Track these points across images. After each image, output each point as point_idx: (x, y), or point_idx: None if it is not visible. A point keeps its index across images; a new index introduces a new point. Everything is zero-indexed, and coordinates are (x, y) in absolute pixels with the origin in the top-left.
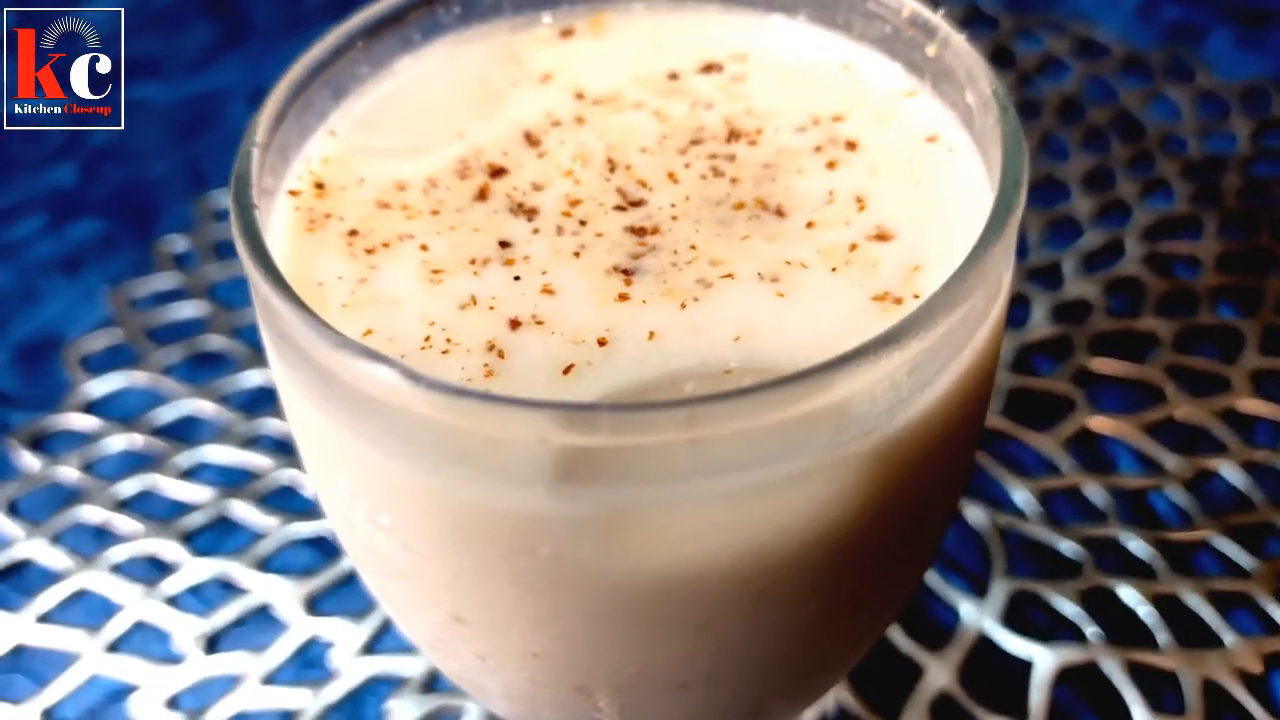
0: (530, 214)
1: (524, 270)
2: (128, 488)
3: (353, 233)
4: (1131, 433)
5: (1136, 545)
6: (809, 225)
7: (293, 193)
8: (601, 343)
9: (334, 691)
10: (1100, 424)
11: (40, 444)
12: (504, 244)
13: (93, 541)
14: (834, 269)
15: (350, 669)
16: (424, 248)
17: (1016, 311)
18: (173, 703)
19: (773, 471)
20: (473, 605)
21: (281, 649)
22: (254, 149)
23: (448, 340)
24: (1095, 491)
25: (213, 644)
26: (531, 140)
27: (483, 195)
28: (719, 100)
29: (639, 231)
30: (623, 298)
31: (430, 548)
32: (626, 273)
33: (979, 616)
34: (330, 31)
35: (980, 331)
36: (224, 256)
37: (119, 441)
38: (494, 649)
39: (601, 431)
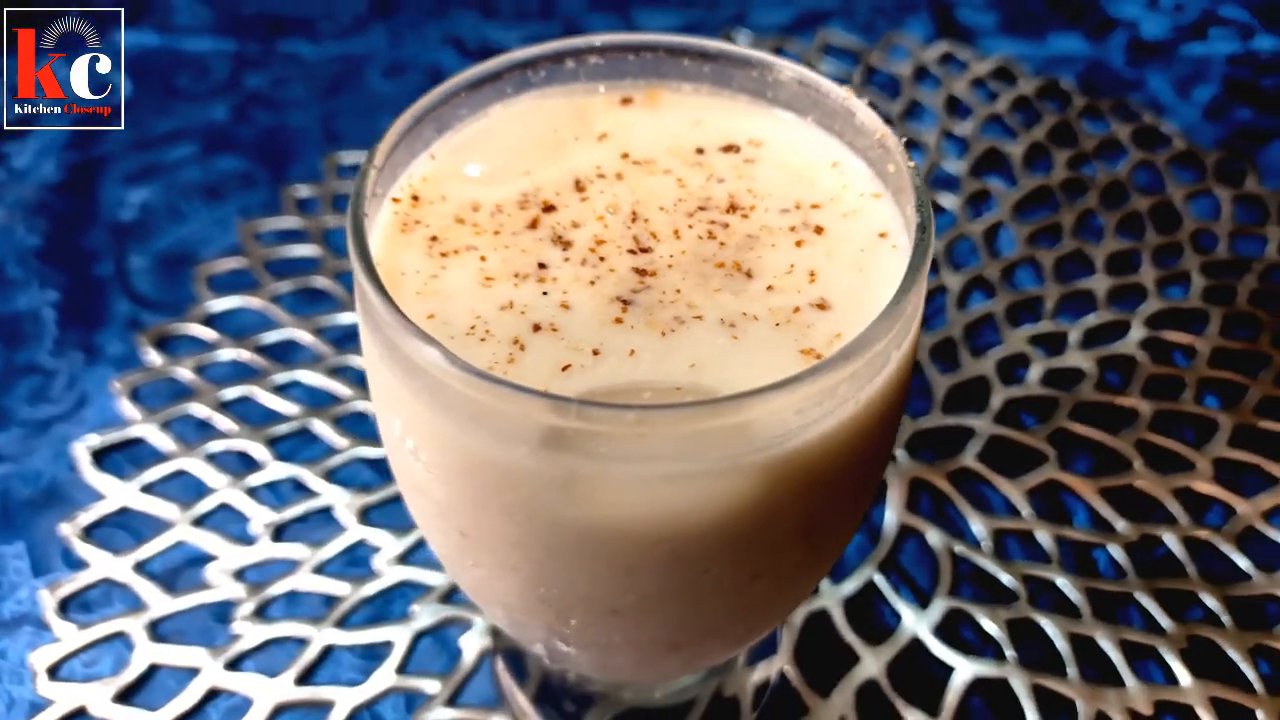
0: (566, 245)
1: (551, 288)
2: (230, 393)
3: (433, 239)
4: (1091, 493)
5: (1069, 589)
6: (769, 288)
7: (395, 200)
8: (595, 352)
9: (371, 588)
10: (1066, 479)
11: (164, 344)
12: (541, 265)
13: (195, 432)
14: (777, 324)
15: (387, 572)
16: (483, 259)
17: (1016, 370)
18: (239, 574)
19: (687, 467)
20: (471, 524)
21: (334, 546)
22: (371, 169)
23: (486, 331)
24: (1045, 538)
25: (279, 533)
26: (579, 187)
27: (534, 225)
28: (729, 177)
29: (641, 273)
30: (618, 321)
31: (448, 479)
32: (625, 302)
33: (916, 624)
34: (442, 84)
35: (863, 394)
36: (340, 208)
37: (229, 353)
38: (485, 560)
39: (570, 418)
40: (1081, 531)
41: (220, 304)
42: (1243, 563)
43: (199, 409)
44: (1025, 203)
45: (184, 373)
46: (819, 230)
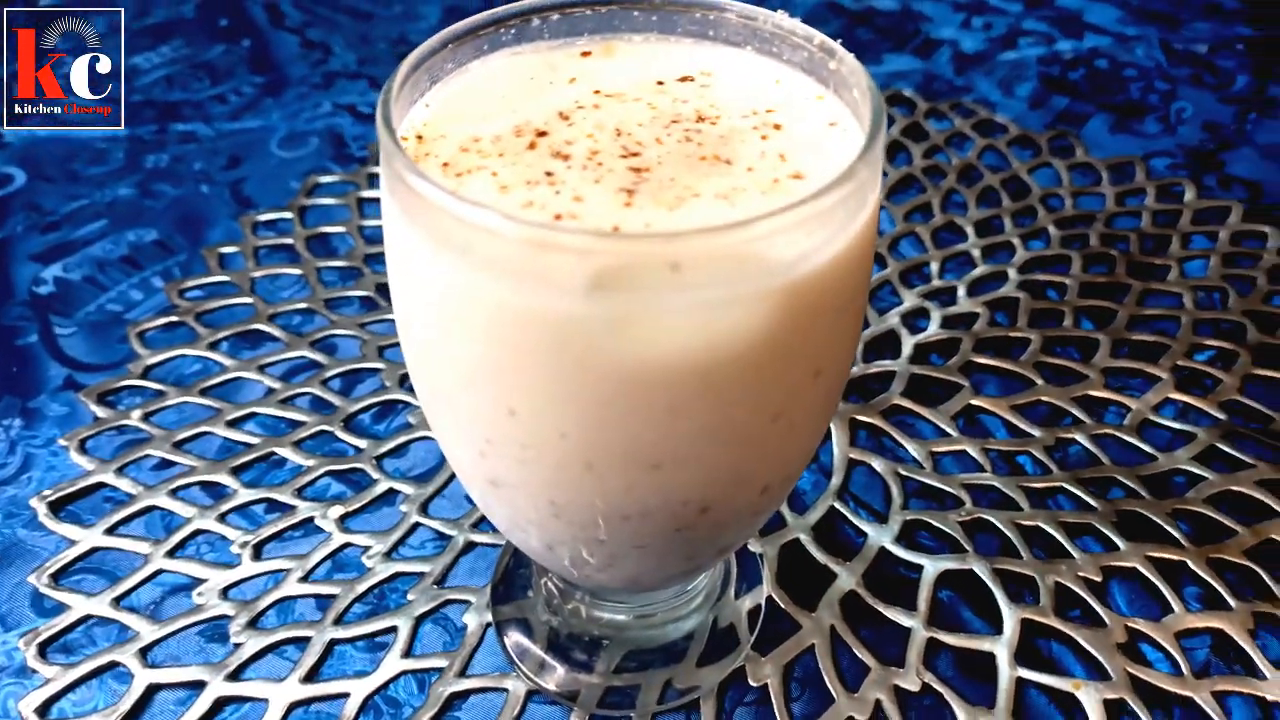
0: (565, 158)
1: (562, 189)
2: (184, 434)
3: (445, 164)
4: (1006, 410)
5: (1006, 488)
6: (749, 169)
7: (404, 138)
8: (615, 228)
9: (363, 584)
10: (981, 403)
11: (106, 400)
12: (548, 174)
13: (155, 474)
14: (764, 192)
15: (378, 569)
16: (494, 174)
17: (918, 321)
18: (225, 593)
19: (719, 294)
20: (522, 397)
21: (319, 553)
22: (391, 97)
23: None
24: (976, 452)
25: (258, 551)
26: (563, 116)
27: (532, 146)
28: (692, 98)
29: (637, 170)
30: (628, 204)
31: (497, 353)
32: (630, 191)
33: (880, 537)
34: (432, 38)
35: (852, 226)
36: (263, 262)
37: (176, 399)
38: (534, 436)
39: (623, 241)
40: (1004, 443)
41: (158, 356)
42: (1146, 448)
43: (155, 450)
44: (895, 189)
45: (133, 422)
46: (778, 127)
